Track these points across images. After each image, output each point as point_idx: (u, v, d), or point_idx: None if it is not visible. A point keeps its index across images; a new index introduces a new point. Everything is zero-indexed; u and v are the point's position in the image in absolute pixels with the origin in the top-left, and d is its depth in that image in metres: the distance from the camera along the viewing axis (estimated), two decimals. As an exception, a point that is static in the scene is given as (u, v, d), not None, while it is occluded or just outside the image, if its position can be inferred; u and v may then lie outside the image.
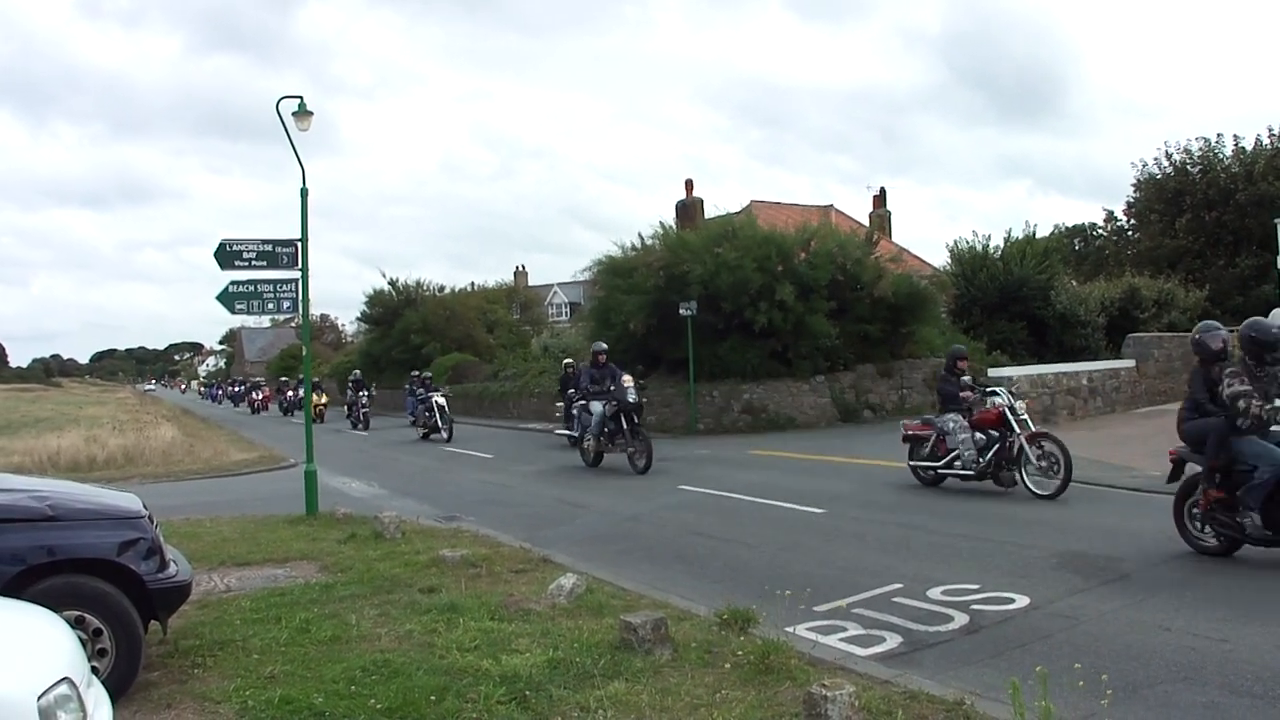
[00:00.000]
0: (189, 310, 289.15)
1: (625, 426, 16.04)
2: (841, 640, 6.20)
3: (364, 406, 32.15)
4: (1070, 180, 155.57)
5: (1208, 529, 8.06)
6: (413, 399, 27.35)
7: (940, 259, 36.32)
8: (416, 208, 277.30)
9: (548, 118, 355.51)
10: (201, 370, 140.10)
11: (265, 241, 12.16)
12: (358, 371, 36.55)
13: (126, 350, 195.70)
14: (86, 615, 5.09)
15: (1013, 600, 6.98)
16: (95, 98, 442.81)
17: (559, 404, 23.15)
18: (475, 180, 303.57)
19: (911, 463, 13.15)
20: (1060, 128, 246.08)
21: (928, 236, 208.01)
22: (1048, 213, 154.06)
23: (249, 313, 12.96)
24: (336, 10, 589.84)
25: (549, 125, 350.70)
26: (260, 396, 53.06)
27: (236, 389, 67.43)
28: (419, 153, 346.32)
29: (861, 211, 41.89)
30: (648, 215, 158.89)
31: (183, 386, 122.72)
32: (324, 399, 36.44)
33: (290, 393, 44.80)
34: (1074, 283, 33.41)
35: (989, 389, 12.72)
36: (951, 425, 12.42)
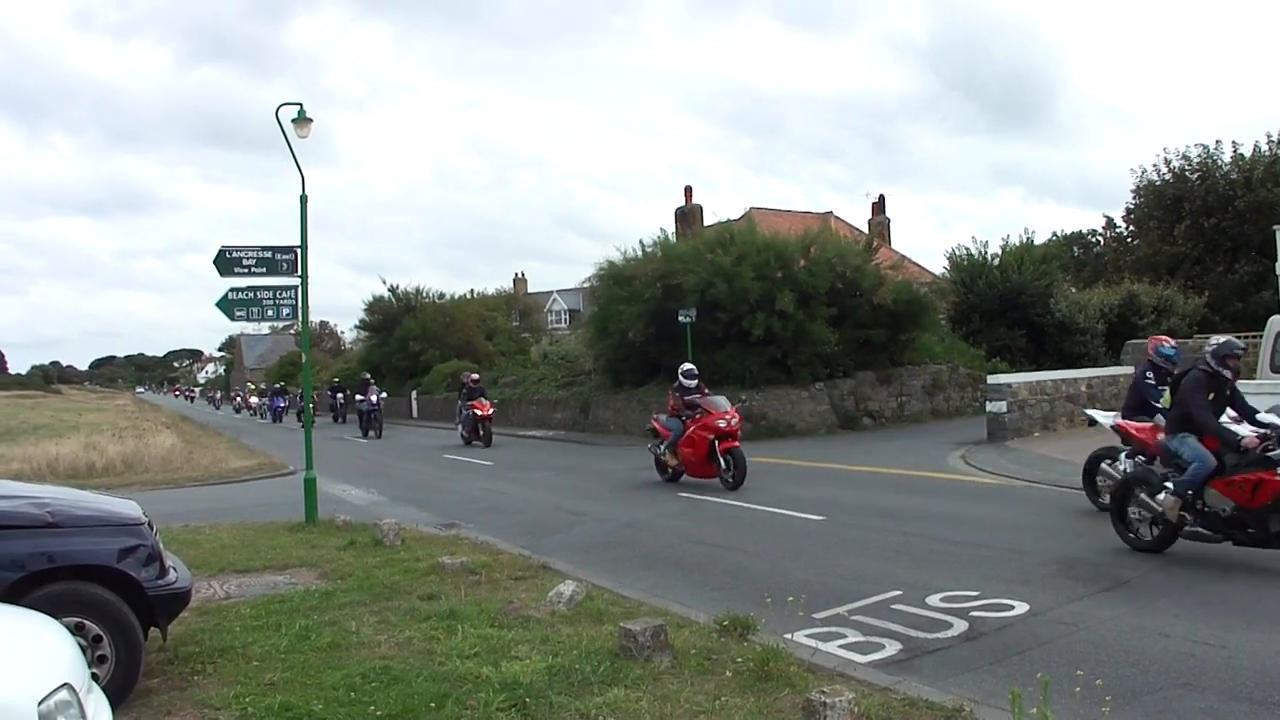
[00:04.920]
0: (188, 317, 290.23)
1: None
2: (841, 647, 6.20)
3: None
4: (1062, 187, 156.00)
5: None
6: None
7: (933, 265, 36.47)
8: (410, 216, 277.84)
9: (539, 127, 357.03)
10: (201, 377, 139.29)
11: (265, 249, 12.14)
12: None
13: (126, 357, 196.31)
14: (86, 622, 5.10)
15: (1012, 607, 6.98)
16: (90, 108, 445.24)
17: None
18: (468, 189, 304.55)
19: None
20: (1050, 135, 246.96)
21: (921, 244, 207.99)
22: (1041, 220, 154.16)
23: (248, 319, 12.92)
24: (325, 22, 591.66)
25: (540, 135, 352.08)
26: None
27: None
28: (412, 162, 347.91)
29: (858, 218, 42.07)
30: (641, 223, 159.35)
31: (235, 398, 72.67)
32: None
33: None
34: (1073, 289, 33.44)
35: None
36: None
